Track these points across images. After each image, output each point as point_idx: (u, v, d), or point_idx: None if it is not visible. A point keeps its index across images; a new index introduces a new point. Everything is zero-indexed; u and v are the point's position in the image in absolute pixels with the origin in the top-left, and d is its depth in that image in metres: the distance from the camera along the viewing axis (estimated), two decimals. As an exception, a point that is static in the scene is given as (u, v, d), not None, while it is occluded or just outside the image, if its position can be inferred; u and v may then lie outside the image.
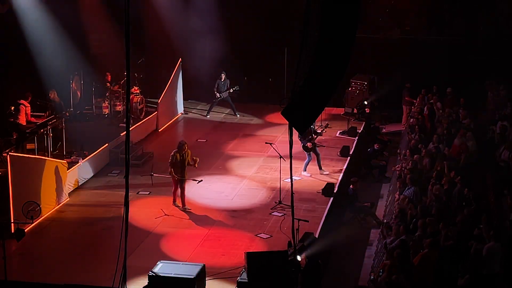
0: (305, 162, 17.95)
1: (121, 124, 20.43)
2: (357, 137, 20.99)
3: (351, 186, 16.15)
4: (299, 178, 17.73)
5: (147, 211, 15.69)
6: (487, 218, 12.48)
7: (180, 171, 15.49)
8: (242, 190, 17.05)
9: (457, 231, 12.43)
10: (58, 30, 20.37)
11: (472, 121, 18.83)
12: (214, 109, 23.75)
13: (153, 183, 16.44)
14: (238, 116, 23.60)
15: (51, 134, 17.23)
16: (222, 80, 23.06)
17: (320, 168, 17.99)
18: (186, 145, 15.60)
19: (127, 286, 8.45)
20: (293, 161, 9.17)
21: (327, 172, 17.97)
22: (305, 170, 17.92)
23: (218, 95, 23.09)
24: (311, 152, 17.83)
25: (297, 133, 17.54)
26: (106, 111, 21.33)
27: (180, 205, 15.70)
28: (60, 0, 20.85)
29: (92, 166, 17.82)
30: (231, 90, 23.08)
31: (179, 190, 15.69)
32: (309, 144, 17.68)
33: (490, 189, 14.94)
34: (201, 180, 16.54)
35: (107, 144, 18.68)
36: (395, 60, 23.77)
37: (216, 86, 23.07)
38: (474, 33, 24.05)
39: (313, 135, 17.91)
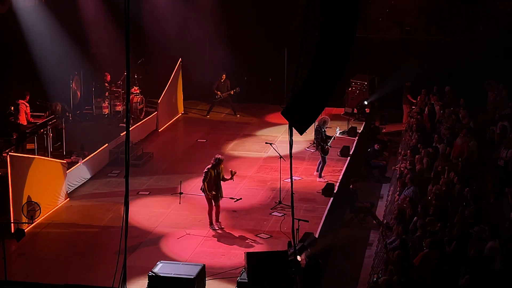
0: (321, 166, 17.72)
1: (121, 124, 20.43)
2: (357, 137, 20.98)
3: (351, 186, 16.15)
4: (299, 178, 17.72)
5: (147, 211, 15.70)
6: (487, 218, 12.49)
7: (215, 188, 14.53)
8: (242, 190, 17.05)
9: (457, 231, 12.43)
10: (58, 30, 20.36)
11: (472, 121, 18.83)
12: (214, 109, 23.73)
13: (180, 202, 15.79)
14: (238, 116, 23.58)
15: (51, 134, 17.24)
16: (222, 80, 23.04)
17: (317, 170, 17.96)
18: (223, 161, 14.70)
19: (127, 286, 8.43)
20: (293, 161, 9.16)
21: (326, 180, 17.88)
22: (321, 176, 17.73)
23: (218, 95, 23.08)
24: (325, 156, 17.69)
25: (315, 135, 17.59)
26: (106, 111, 21.33)
27: (217, 227, 14.77)
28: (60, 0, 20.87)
29: (92, 166, 17.81)
30: (232, 92, 23.04)
31: (214, 209, 14.71)
32: (327, 148, 17.62)
33: (490, 189, 14.95)
34: (240, 199, 15.97)
35: (107, 144, 18.67)
36: (395, 60, 23.76)
37: (216, 86, 23.06)
38: (474, 33, 24.04)
39: (326, 139, 17.75)
